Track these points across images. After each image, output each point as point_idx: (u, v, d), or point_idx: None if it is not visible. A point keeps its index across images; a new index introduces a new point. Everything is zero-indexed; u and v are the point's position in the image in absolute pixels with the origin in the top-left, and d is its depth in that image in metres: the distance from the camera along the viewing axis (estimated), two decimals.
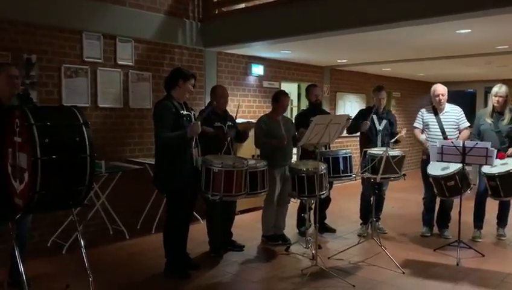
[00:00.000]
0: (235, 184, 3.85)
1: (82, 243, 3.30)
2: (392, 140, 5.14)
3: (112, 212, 5.22)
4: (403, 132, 5.14)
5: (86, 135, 3.09)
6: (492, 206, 5.24)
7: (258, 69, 7.40)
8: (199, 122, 3.80)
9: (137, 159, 5.53)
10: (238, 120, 6.48)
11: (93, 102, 5.26)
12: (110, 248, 4.88)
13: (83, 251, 3.27)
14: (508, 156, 4.84)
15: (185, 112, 3.87)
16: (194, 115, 3.98)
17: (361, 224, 5.54)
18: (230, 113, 4.83)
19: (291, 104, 9.19)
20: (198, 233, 4.97)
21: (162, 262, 4.07)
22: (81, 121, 3.11)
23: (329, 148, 5.33)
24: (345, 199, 6.62)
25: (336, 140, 4.97)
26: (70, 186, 3.10)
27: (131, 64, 5.60)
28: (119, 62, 5.48)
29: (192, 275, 4.01)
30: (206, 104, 4.90)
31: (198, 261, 4.33)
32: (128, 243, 5.05)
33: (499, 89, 5.00)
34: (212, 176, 3.83)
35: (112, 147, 5.44)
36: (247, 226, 5.64)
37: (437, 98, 5.19)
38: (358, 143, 5.55)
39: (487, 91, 10.41)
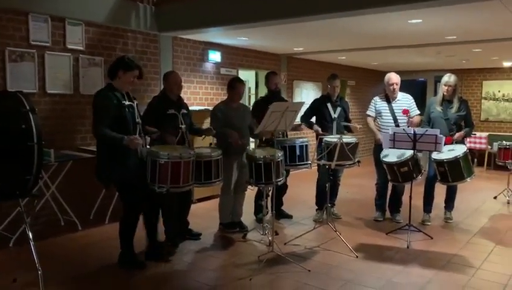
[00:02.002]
0: (182, 175, 3.77)
1: (30, 235, 3.16)
2: (345, 123, 5.32)
3: (63, 202, 5.03)
4: (357, 127, 5.38)
5: (32, 122, 2.96)
6: (440, 191, 5.48)
7: (215, 56, 7.31)
8: (140, 141, 3.66)
9: (89, 148, 5.33)
10: (195, 107, 6.45)
11: (41, 88, 5.02)
12: (62, 240, 4.71)
13: (31, 243, 3.14)
14: (455, 140, 5.06)
15: (127, 102, 3.74)
16: (136, 104, 3.87)
17: (316, 210, 5.64)
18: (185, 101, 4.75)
19: (249, 92, 9.18)
20: None
21: (116, 253, 3.97)
22: (27, 108, 2.97)
23: (286, 136, 5.38)
24: (301, 186, 6.70)
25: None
26: (17, 175, 2.97)
27: (81, 48, 5.37)
28: (69, 46, 5.24)
29: (148, 265, 3.94)
30: (160, 90, 4.78)
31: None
32: (80, 234, 4.89)
33: (449, 79, 5.20)
34: (158, 168, 3.72)
35: (62, 135, 5.22)
36: (204, 214, 5.61)
37: (391, 87, 5.33)
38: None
39: (437, 80, 10.82)
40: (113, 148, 3.64)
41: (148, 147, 4.08)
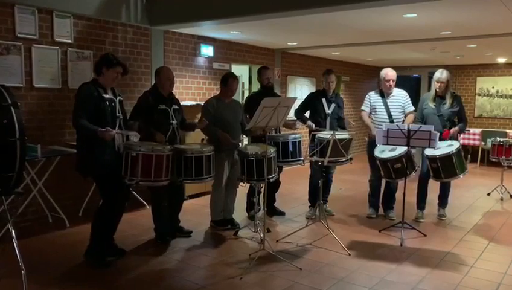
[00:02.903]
0: (154, 169, 3.74)
1: (13, 233, 3.06)
2: (341, 125, 5.27)
3: (51, 199, 4.93)
4: (352, 123, 5.34)
5: (14, 117, 2.85)
6: (434, 187, 5.43)
7: (207, 50, 7.21)
8: (113, 133, 3.59)
9: None
10: (187, 103, 6.35)
11: (28, 82, 4.90)
12: (49, 237, 4.61)
13: (15, 241, 3.05)
14: (451, 135, 5.01)
15: (107, 96, 3.74)
16: (120, 101, 3.88)
17: (309, 206, 5.58)
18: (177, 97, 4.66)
19: (243, 87, 9.09)
20: (144, 219, 4.82)
21: None
22: (9, 102, 2.86)
23: (279, 132, 5.31)
24: (294, 182, 6.65)
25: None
26: None
27: (70, 41, 5.25)
28: (57, 39, 5.12)
29: (113, 262, 3.87)
30: (151, 85, 4.69)
31: (145, 248, 4.18)
32: (68, 231, 4.80)
33: (441, 75, 5.14)
34: (130, 160, 3.72)
35: (50, 130, 5.11)
36: (196, 211, 5.53)
37: (387, 83, 5.26)
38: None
39: (430, 76, 10.78)
40: (90, 140, 3.65)
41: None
